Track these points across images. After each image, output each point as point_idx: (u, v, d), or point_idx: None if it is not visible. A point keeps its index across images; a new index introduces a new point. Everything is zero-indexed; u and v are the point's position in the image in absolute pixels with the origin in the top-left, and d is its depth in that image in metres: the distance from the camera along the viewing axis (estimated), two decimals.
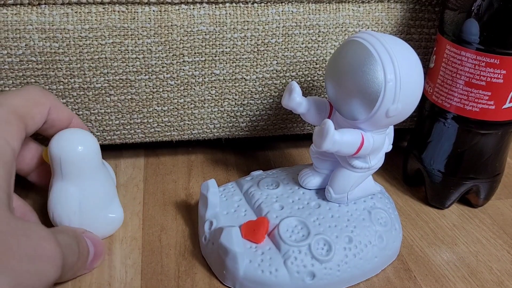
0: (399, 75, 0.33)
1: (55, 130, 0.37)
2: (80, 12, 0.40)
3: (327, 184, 0.41)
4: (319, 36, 0.44)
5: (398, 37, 0.36)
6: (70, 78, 0.42)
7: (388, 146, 0.40)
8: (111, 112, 0.45)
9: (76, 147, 0.36)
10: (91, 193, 0.38)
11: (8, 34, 0.39)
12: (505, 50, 0.37)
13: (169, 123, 0.47)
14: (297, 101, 0.38)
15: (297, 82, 0.46)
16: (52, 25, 0.40)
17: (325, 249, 0.37)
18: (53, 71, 0.41)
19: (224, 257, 0.36)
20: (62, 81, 0.42)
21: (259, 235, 0.37)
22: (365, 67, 0.33)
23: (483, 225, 0.45)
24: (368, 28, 0.45)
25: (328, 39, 0.45)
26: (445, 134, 0.43)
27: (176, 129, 0.48)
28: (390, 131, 0.40)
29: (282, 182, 0.43)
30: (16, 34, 0.39)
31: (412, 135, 0.49)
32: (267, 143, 0.57)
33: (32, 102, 0.34)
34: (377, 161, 0.39)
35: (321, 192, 0.41)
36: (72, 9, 0.40)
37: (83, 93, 0.43)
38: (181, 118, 0.47)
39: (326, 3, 0.44)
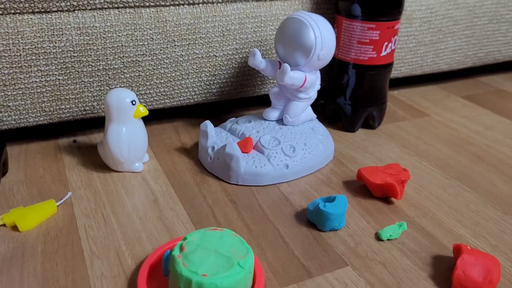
0: (322, 33, 0.56)
1: None
2: (103, 14, 0.57)
3: (282, 116, 0.62)
4: (261, 23, 0.66)
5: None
6: (97, 62, 0.59)
7: (318, 85, 0.62)
8: (124, 87, 0.62)
9: (125, 99, 0.53)
10: (136, 133, 0.55)
11: (53, 32, 0.55)
12: (378, 18, 0.62)
13: (164, 93, 0.65)
14: (259, 60, 0.59)
15: None
16: (84, 24, 0.56)
17: (291, 150, 0.58)
18: (84, 58, 0.58)
19: (229, 161, 0.55)
20: (91, 64, 0.58)
21: (248, 147, 0.57)
22: (302, 31, 0.56)
23: (380, 137, 0.70)
24: None
25: (267, 25, 0.67)
26: (349, 78, 0.67)
27: (169, 97, 0.66)
28: (319, 76, 0.62)
29: (253, 119, 0.63)
30: (59, 31, 0.55)
31: (327, 88, 0.72)
32: (229, 109, 0.77)
33: None
34: (314, 93, 0.61)
35: (279, 121, 0.63)
36: (97, 13, 0.57)
37: (105, 73, 0.60)
38: (173, 88, 0.65)
39: (263, 1, 0.66)
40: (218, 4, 0.63)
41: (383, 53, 0.64)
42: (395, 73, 0.81)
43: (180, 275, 0.36)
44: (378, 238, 0.48)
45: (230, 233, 0.40)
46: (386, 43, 0.63)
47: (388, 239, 0.48)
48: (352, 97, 0.68)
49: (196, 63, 0.64)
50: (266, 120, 0.63)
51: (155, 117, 0.72)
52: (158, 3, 0.59)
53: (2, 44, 0.53)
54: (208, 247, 0.38)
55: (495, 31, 0.87)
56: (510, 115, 0.79)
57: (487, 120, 0.77)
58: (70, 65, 0.58)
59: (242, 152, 0.56)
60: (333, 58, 0.68)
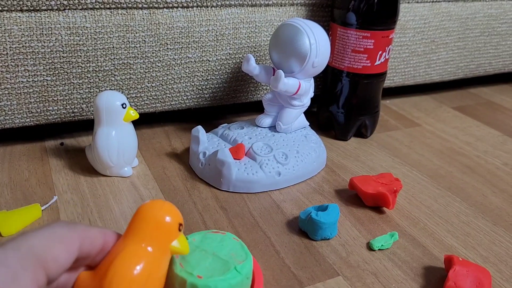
0: (317, 40, 0.55)
1: (91, 260, 0.32)
2: (94, 15, 0.56)
3: (275, 123, 0.61)
4: (256, 29, 0.66)
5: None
6: (87, 63, 0.57)
7: (311, 93, 0.61)
8: (114, 89, 0.60)
9: (116, 101, 0.52)
10: (126, 137, 0.54)
11: (42, 31, 0.54)
12: (372, 27, 0.61)
13: (156, 97, 0.64)
14: (253, 65, 0.58)
15: None
16: (75, 24, 0.55)
17: (284, 157, 0.57)
18: (74, 58, 0.56)
19: (221, 168, 0.54)
20: (81, 66, 0.57)
21: (240, 154, 0.56)
22: (297, 38, 0.55)
23: (372, 146, 0.69)
24: None
25: (262, 30, 0.66)
26: (343, 86, 0.66)
27: (160, 101, 0.64)
28: (313, 83, 0.62)
29: (245, 126, 0.62)
30: (48, 31, 0.54)
31: (321, 96, 0.72)
32: (221, 115, 0.76)
33: (56, 239, 0.29)
34: (307, 100, 0.60)
35: (272, 128, 0.62)
36: (88, 13, 0.56)
37: (95, 75, 0.58)
38: (164, 92, 0.64)
39: (258, 7, 0.65)
40: (213, 8, 0.62)
41: (377, 62, 0.64)
42: (387, 82, 0.81)
43: (176, 275, 0.36)
44: (369, 248, 0.48)
45: (231, 237, 0.40)
46: (380, 52, 0.63)
47: (379, 249, 0.48)
48: (345, 105, 0.67)
49: (188, 67, 0.64)
50: (259, 126, 0.62)
51: (145, 121, 0.70)
52: (151, 5, 0.58)
53: None
54: (207, 249, 0.38)
55: (486, 44, 0.87)
56: (500, 127, 0.80)
57: (477, 131, 0.77)
58: (59, 66, 0.56)
59: (234, 158, 0.56)
60: (327, 66, 0.67)
